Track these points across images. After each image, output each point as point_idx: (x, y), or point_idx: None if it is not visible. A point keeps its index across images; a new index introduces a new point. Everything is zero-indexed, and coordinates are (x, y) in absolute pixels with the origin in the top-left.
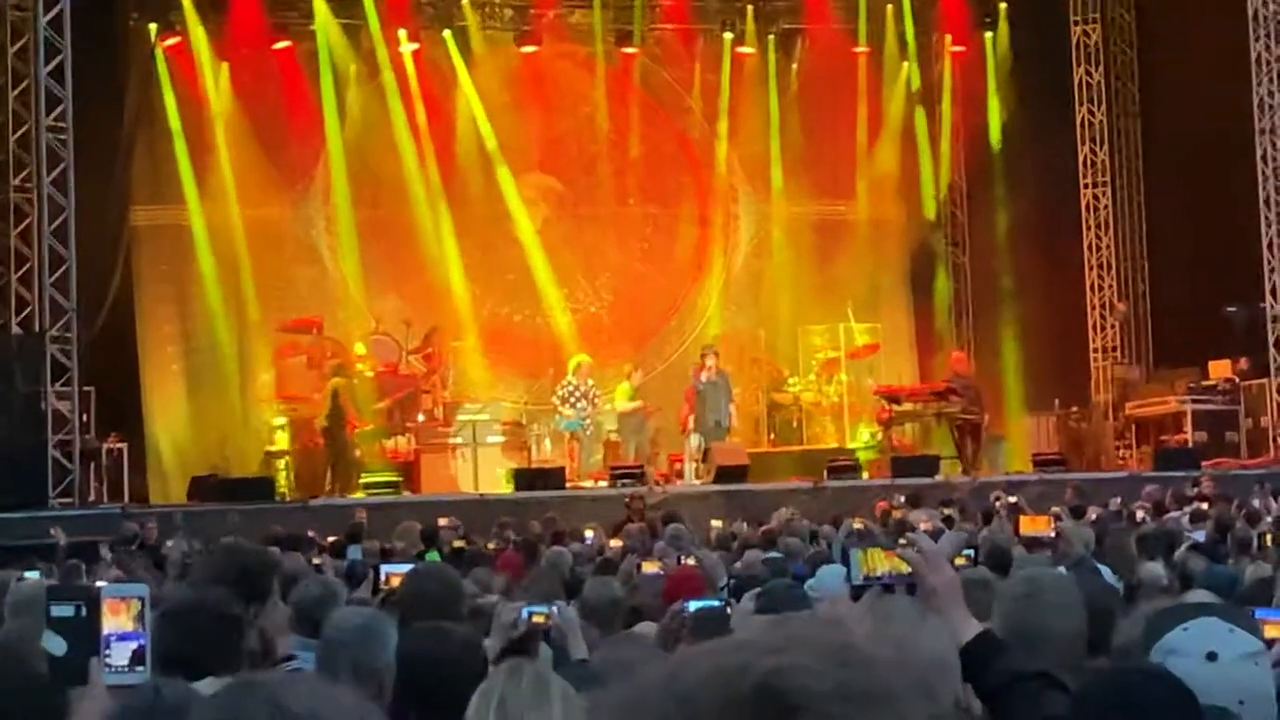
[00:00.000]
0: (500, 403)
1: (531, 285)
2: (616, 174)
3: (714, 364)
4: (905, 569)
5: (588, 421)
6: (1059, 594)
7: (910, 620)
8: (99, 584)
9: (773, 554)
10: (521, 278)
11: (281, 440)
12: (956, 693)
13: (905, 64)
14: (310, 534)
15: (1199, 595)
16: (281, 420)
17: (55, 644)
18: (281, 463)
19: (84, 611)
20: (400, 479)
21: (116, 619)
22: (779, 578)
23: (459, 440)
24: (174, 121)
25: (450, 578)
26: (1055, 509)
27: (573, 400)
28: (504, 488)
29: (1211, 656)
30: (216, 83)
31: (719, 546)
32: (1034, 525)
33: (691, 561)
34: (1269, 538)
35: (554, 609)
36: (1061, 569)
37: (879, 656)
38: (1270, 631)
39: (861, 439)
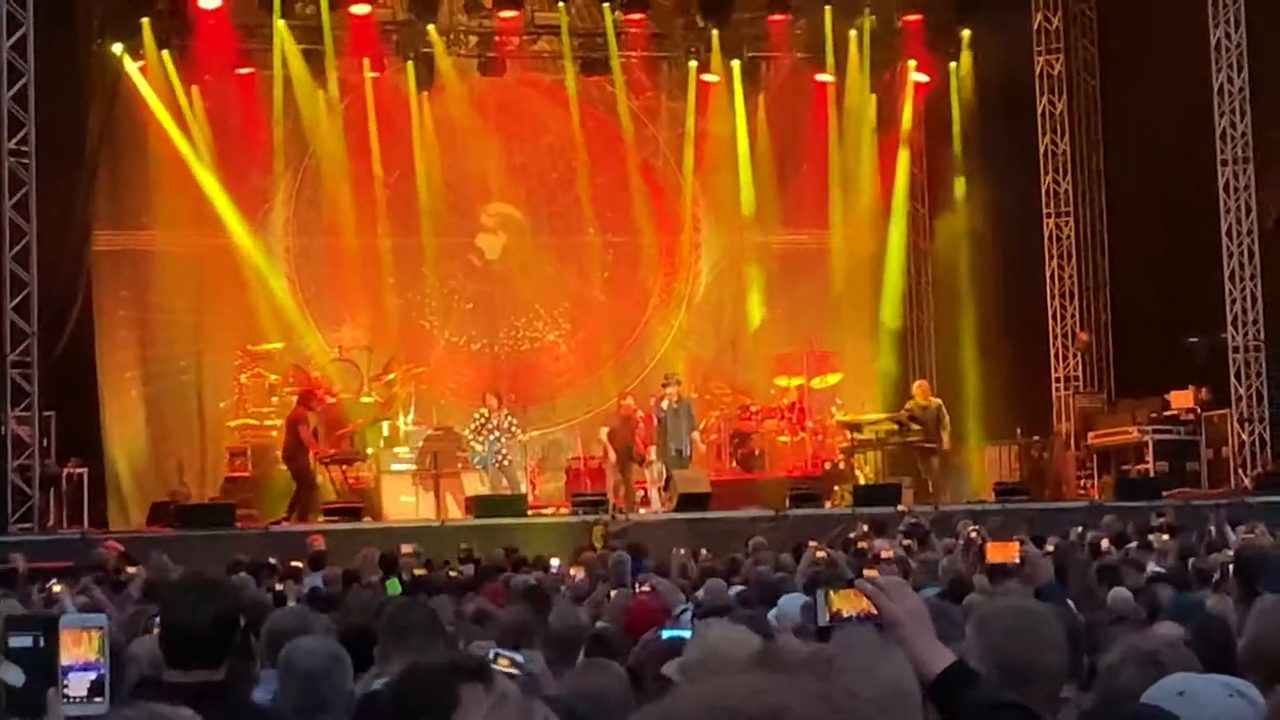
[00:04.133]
0: (460, 430)
1: (489, 314)
2: (578, 202)
3: (675, 392)
4: (872, 609)
5: (502, 454)
6: (1047, 628)
7: (871, 650)
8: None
9: (738, 587)
10: (479, 306)
11: (241, 466)
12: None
13: (869, 92)
14: (271, 560)
15: (1166, 628)
16: (242, 447)
17: (13, 675)
18: (242, 488)
19: (42, 642)
20: (362, 505)
21: (77, 649)
22: (745, 608)
23: (416, 467)
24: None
25: (430, 612)
26: (1018, 536)
27: (484, 433)
28: (464, 515)
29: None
30: (182, 107)
31: (679, 574)
32: (1002, 552)
33: (647, 589)
34: (1231, 568)
35: (522, 657)
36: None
37: (864, 697)
38: None
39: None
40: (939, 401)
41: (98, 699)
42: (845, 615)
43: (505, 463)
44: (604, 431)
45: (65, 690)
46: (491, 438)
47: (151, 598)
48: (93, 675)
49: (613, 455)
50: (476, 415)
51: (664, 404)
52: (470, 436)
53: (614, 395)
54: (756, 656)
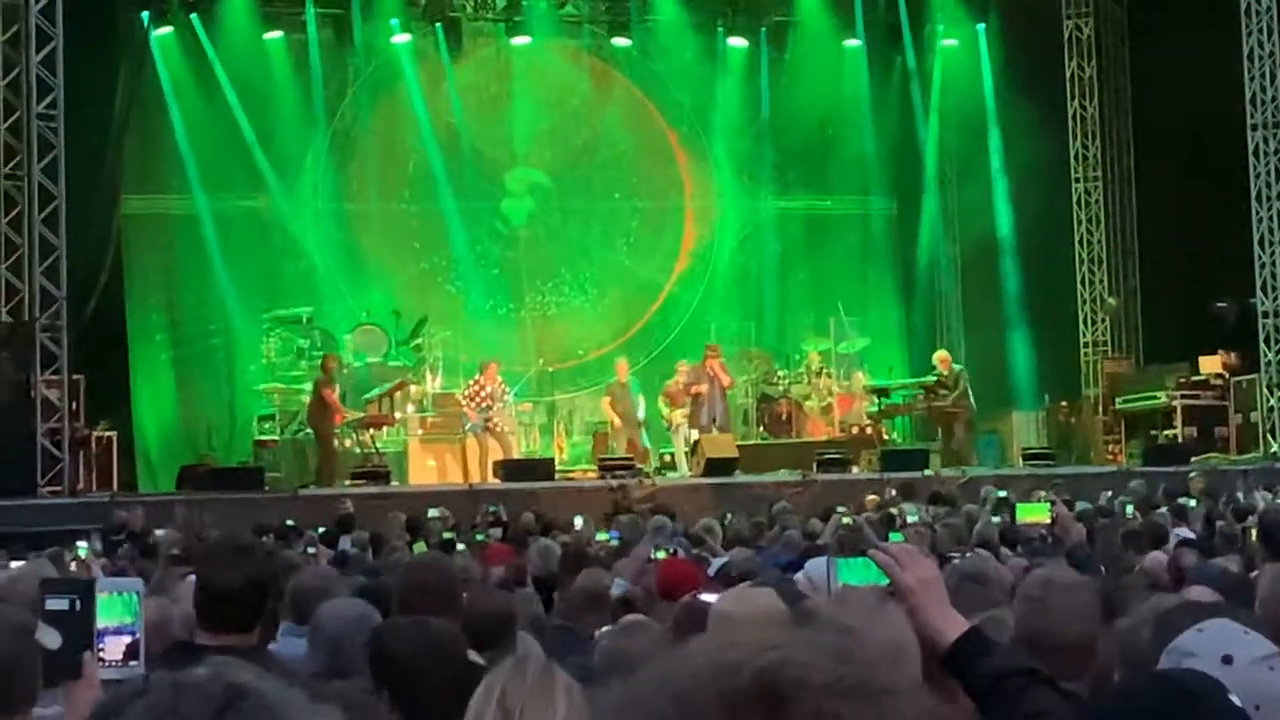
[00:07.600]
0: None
1: (515, 279)
2: (603, 167)
3: (718, 362)
4: (885, 580)
5: (492, 423)
6: (1071, 598)
7: (868, 605)
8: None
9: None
10: (506, 271)
11: (270, 430)
12: (916, 677)
13: (897, 57)
14: (291, 523)
15: (1198, 591)
16: (270, 410)
17: (50, 637)
18: (270, 452)
19: (78, 605)
20: (390, 469)
21: (112, 613)
22: (772, 571)
23: (422, 432)
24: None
25: (448, 569)
26: (1042, 492)
27: (477, 400)
28: (492, 479)
29: (1227, 660)
30: (209, 71)
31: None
32: (1032, 514)
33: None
34: (1254, 533)
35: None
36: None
37: (876, 653)
38: None
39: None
40: (961, 368)
41: (133, 662)
42: (857, 584)
43: (497, 429)
44: (605, 400)
45: (101, 653)
46: (483, 406)
47: (180, 560)
48: (128, 638)
49: (616, 420)
50: (471, 382)
51: (703, 383)
52: (464, 402)
53: (641, 360)
54: (766, 615)
